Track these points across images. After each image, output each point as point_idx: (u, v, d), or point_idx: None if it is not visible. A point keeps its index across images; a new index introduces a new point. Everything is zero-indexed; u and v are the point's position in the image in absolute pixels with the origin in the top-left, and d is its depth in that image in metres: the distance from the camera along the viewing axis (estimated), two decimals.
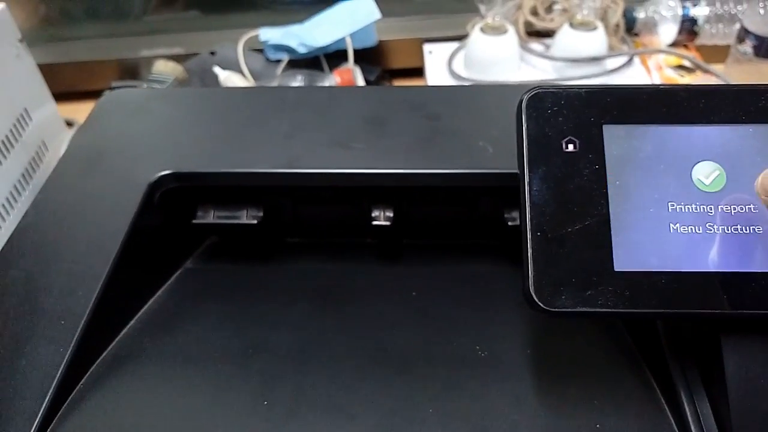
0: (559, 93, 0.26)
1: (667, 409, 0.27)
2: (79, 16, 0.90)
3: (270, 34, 0.75)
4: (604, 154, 0.25)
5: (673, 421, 0.26)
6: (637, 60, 0.72)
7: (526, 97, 0.26)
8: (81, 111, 0.81)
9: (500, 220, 0.36)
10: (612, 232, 0.24)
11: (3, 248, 0.32)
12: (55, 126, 0.73)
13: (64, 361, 0.27)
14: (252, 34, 0.77)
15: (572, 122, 0.25)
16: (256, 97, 0.41)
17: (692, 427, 0.25)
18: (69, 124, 0.77)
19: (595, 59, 0.70)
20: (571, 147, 0.25)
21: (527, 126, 0.25)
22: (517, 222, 0.35)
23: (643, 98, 0.25)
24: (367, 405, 0.27)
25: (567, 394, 0.27)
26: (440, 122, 0.37)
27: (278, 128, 0.38)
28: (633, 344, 0.30)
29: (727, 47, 0.71)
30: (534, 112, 0.26)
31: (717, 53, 0.73)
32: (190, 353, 0.30)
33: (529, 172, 0.25)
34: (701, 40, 0.74)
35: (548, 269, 0.24)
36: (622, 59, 0.72)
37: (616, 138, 0.25)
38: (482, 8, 0.70)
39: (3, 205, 0.61)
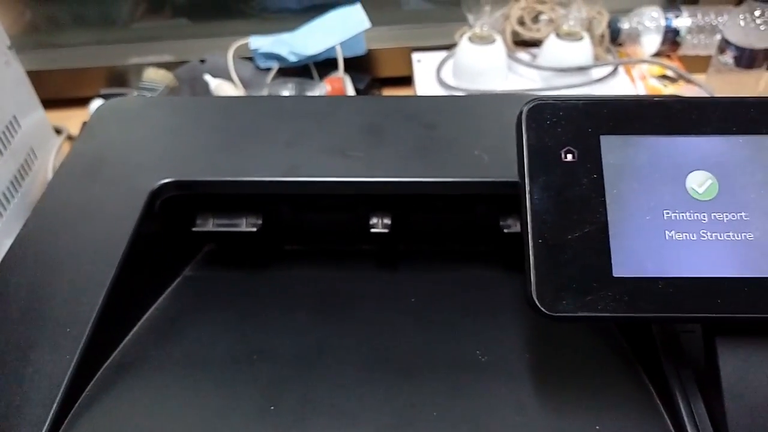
0: (557, 105, 0.27)
1: (663, 410, 0.27)
2: (66, 22, 0.89)
3: (260, 42, 0.76)
4: (601, 164, 0.26)
5: (669, 423, 0.27)
6: (621, 70, 0.74)
7: (525, 109, 0.27)
8: (69, 118, 0.81)
9: (496, 227, 0.37)
10: (610, 239, 0.25)
11: (5, 256, 0.32)
12: (44, 133, 0.73)
13: (71, 367, 0.27)
14: (242, 42, 0.77)
15: (571, 133, 0.26)
16: (254, 106, 0.41)
17: (688, 428, 0.26)
18: (57, 131, 0.77)
19: (581, 69, 0.72)
20: (570, 157, 0.26)
21: (527, 136, 0.26)
22: (513, 229, 0.37)
23: (639, 110, 0.26)
24: (371, 409, 0.28)
25: (566, 396, 0.28)
26: (436, 131, 0.38)
27: (277, 137, 0.38)
28: (628, 347, 0.31)
29: (709, 57, 0.72)
30: (534, 123, 0.26)
31: (699, 63, 0.75)
32: (195, 359, 0.30)
33: (530, 181, 0.26)
34: (683, 51, 0.76)
35: (550, 275, 0.25)
36: (608, 69, 0.73)
37: (613, 148, 0.26)
38: (470, 18, 0.72)
39: None
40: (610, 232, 0.25)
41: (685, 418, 0.26)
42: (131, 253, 0.32)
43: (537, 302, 0.24)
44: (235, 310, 0.34)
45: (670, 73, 0.74)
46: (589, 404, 0.28)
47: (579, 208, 0.25)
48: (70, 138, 0.78)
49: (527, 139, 0.26)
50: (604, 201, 0.25)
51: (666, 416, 0.27)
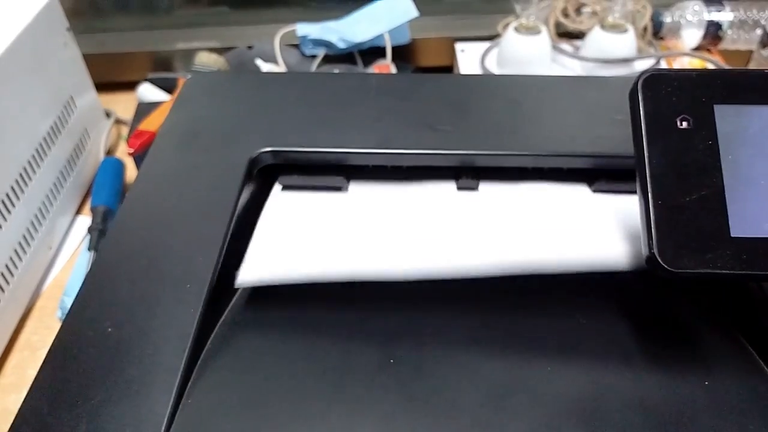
0: (671, 75, 0.28)
1: (765, 368, 0.29)
2: (109, 8, 0.91)
3: (308, 30, 0.77)
4: (716, 131, 0.27)
5: None
6: (663, 63, 0.75)
7: (641, 80, 0.28)
8: (116, 102, 0.82)
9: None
10: (727, 202, 0.26)
11: (117, 218, 0.34)
12: (96, 115, 0.74)
13: (196, 320, 0.29)
14: (288, 29, 0.78)
15: (685, 102, 0.27)
16: (339, 82, 0.43)
17: None
18: (107, 114, 0.78)
19: (625, 61, 0.73)
20: (685, 124, 0.27)
21: (644, 105, 0.28)
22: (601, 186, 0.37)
23: (751, 81, 0.28)
24: (488, 361, 0.29)
25: (671, 356, 0.29)
26: (522, 107, 0.39)
27: (364, 110, 0.39)
28: (727, 311, 0.32)
29: (750, 52, 0.74)
30: (649, 93, 0.28)
31: (740, 58, 0.76)
32: (306, 317, 0.32)
33: (648, 146, 0.27)
34: (724, 45, 0.77)
35: (670, 234, 0.26)
36: (650, 61, 0.75)
37: (726, 117, 0.27)
38: (518, 8, 0.73)
39: (51, 190, 0.62)
40: (727, 195, 0.26)
41: None
42: (236, 216, 0.34)
43: (659, 260, 0.25)
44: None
45: (711, 66, 0.75)
46: (694, 363, 0.29)
47: (696, 172, 0.27)
48: (118, 121, 0.79)
49: (644, 107, 0.28)
50: (720, 166, 0.27)
51: None
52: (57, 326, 0.57)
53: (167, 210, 0.34)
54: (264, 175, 0.38)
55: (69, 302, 0.58)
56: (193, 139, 0.38)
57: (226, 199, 0.34)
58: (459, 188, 0.38)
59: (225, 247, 0.32)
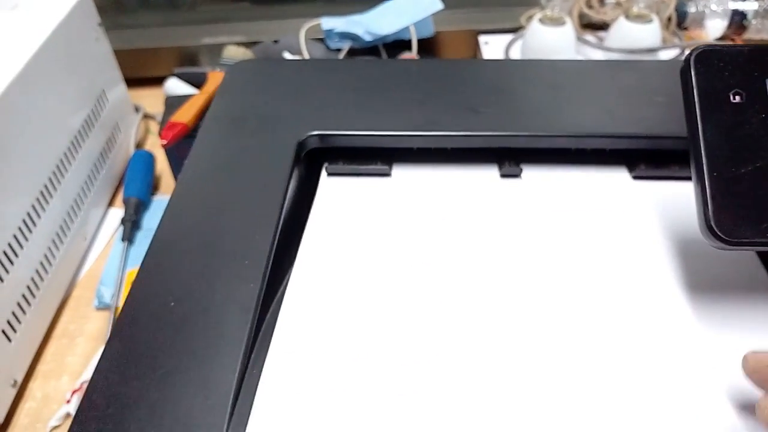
0: (723, 51, 0.28)
1: None
2: (135, 5, 0.92)
3: (333, 23, 0.78)
4: None
5: None
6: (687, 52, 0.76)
7: (693, 56, 0.28)
8: (143, 96, 0.83)
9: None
10: None
11: (171, 199, 0.34)
12: (126, 109, 0.75)
13: (256, 295, 0.29)
14: (313, 23, 0.79)
15: (737, 77, 0.28)
16: (379, 68, 0.43)
17: None
18: (135, 108, 0.79)
19: (650, 51, 0.73)
20: (738, 98, 0.28)
21: (696, 80, 0.28)
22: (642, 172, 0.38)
23: None
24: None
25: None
26: (562, 91, 0.40)
27: (406, 95, 0.40)
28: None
29: None
30: (702, 68, 0.28)
31: None
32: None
33: (702, 120, 0.28)
34: (749, 35, 0.77)
35: (727, 205, 0.26)
36: (675, 51, 0.75)
37: None
38: (543, 0, 0.73)
39: (85, 182, 0.63)
40: None
41: None
42: (288, 196, 0.34)
43: (716, 230, 0.26)
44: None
45: None
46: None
47: (750, 144, 0.27)
48: (146, 116, 0.80)
49: (696, 82, 0.28)
50: None
51: None
52: (93, 315, 0.59)
53: (221, 190, 0.34)
54: (308, 159, 0.39)
55: (105, 291, 0.59)
56: (241, 124, 0.38)
57: (277, 181, 0.34)
58: (502, 176, 0.38)
59: (280, 225, 0.32)
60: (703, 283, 0.32)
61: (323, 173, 0.38)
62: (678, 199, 0.36)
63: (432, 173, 0.38)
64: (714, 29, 0.78)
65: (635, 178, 0.38)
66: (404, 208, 0.36)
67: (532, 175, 0.38)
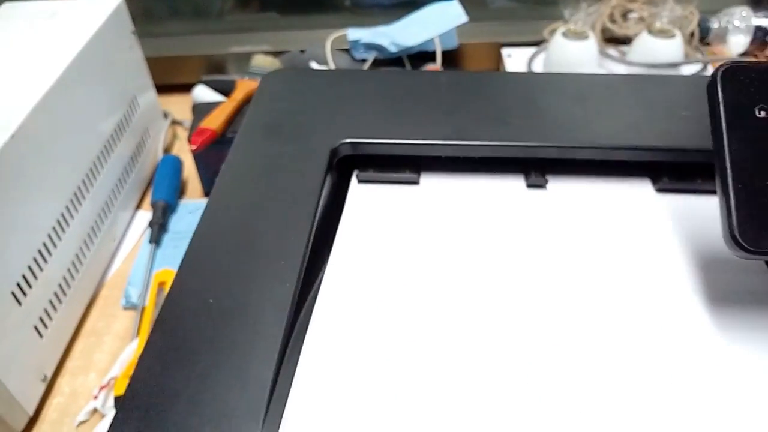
0: (749, 67, 0.29)
1: None
2: (163, 14, 0.94)
3: (359, 34, 0.79)
4: None
5: None
6: (710, 68, 0.76)
7: (720, 72, 0.29)
8: (171, 103, 0.85)
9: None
10: None
11: (209, 201, 0.36)
12: (156, 115, 0.77)
13: (292, 293, 0.30)
14: (339, 33, 0.81)
15: (763, 92, 0.29)
16: (409, 79, 0.45)
17: None
18: (164, 115, 0.81)
19: (672, 65, 0.74)
20: (764, 113, 0.29)
21: (723, 95, 0.29)
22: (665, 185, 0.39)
23: None
24: None
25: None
26: (587, 103, 0.41)
27: (435, 105, 0.41)
28: None
29: None
30: (728, 83, 0.29)
31: None
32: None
33: (728, 133, 0.28)
34: None
35: (752, 217, 0.27)
36: (697, 66, 0.76)
37: None
38: (566, 14, 0.74)
39: (115, 185, 0.65)
40: None
41: None
42: (322, 200, 0.35)
43: (741, 240, 0.27)
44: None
45: None
46: None
47: None
48: (174, 122, 0.82)
49: (723, 97, 0.29)
50: None
51: None
52: (120, 314, 0.60)
53: (257, 194, 0.36)
54: (340, 166, 0.40)
55: (132, 291, 0.61)
56: (276, 131, 0.40)
57: (311, 186, 0.36)
58: (528, 186, 0.39)
59: (314, 228, 0.34)
60: (724, 297, 0.33)
61: (353, 180, 0.40)
62: (700, 212, 0.37)
63: (459, 182, 0.40)
64: (737, 45, 0.78)
65: (659, 191, 0.39)
66: (431, 214, 0.37)
67: (558, 186, 0.39)
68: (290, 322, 0.30)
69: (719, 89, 0.29)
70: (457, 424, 0.27)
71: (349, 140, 0.38)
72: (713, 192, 0.29)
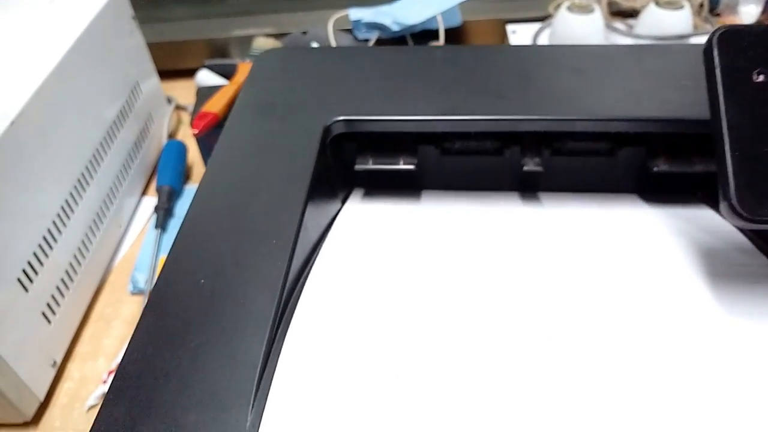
0: (746, 30, 0.28)
1: None
2: None
3: (361, 14, 0.78)
4: None
5: None
6: None
7: (716, 36, 0.29)
8: (174, 88, 0.85)
9: (643, 167, 0.38)
10: None
11: (201, 183, 0.35)
12: (159, 100, 0.77)
13: (283, 272, 0.30)
14: (341, 13, 0.80)
15: (761, 56, 0.28)
16: (404, 55, 0.44)
17: None
18: (168, 100, 0.81)
19: (681, 37, 0.72)
20: (761, 78, 0.28)
21: (719, 59, 0.28)
22: (662, 168, 0.38)
23: None
24: None
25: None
26: (587, 76, 0.40)
27: (431, 81, 0.40)
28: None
29: None
30: (724, 48, 0.28)
31: None
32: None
33: (725, 99, 0.28)
34: None
35: (748, 184, 0.26)
36: (706, 38, 0.74)
37: None
38: None
39: (120, 171, 0.65)
40: None
41: None
42: (314, 180, 0.35)
43: (739, 208, 0.26)
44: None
45: None
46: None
47: None
48: (178, 107, 0.82)
49: (720, 62, 0.28)
50: None
51: None
52: (128, 299, 0.61)
53: (249, 173, 0.35)
54: (337, 145, 0.39)
55: (140, 277, 0.61)
56: (269, 111, 0.39)
57: (303, 165, 0.35)
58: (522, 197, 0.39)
59: (306, 206, 0.33)
60: (730, 300, 0.32)
61: (355, 195, 0.40)
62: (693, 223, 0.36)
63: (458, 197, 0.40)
64: (748, 15, 0.76)
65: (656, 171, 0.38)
66: (431, 206, 0.37)
67: (551, 199, 0.39)
68: (281, 303, 0.29)
69: (715, 54, 0.28)
70: (447, 403, 0.26)
71: (342, 118, 0.38)
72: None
